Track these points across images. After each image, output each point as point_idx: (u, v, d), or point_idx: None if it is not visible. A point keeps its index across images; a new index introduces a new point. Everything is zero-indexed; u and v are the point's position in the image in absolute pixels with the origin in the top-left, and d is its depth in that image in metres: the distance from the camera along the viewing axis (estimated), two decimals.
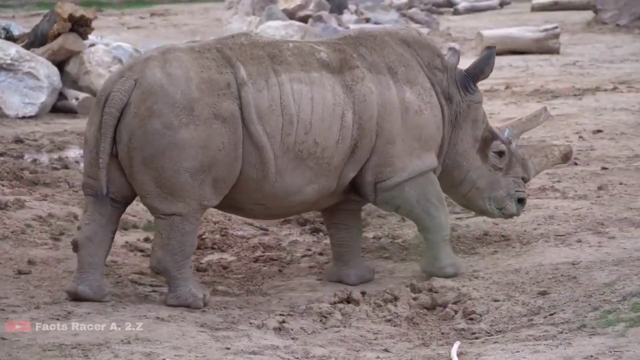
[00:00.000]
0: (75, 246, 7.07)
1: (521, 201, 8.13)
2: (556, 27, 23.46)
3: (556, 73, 19.32)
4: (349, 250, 7.85)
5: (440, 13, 31.97)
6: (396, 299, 7.04)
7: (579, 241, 8.16)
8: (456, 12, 32.40)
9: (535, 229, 8.60)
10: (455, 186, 8.02)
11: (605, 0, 26.71)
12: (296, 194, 7.32)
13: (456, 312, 6.83)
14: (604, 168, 10.71)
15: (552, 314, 6.51)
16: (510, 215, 8.16)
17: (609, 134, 12.69)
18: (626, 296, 6.49)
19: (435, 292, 7.10)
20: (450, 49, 8.32)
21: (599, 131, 12.87)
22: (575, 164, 11.05)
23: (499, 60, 21.23)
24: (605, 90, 16.58)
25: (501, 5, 34.36)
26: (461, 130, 7.93)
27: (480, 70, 7.88)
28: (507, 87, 17.35)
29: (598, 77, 18.36)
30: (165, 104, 6.92)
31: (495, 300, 6.89)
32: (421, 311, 6.92)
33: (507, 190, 8.04)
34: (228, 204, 7.35)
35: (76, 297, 6.96)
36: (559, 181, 10.26)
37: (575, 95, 16.21)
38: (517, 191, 8.07)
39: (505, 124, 8.42)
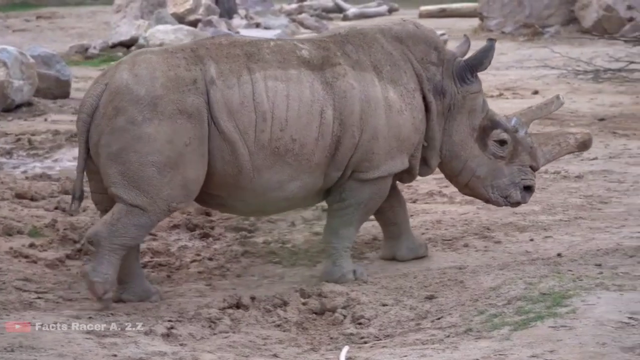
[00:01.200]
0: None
1: (528, 189, 8.15)
2: (444, 34, 23.75)
3: None
4: (397, 228, 8.15)
5: (330, 19, 32.10)
6: (285, 304, 7.02)
7: (466, 246, 8.28)
8: (346, 18, 32.54)
9: (423, 233, 8.68)
10: (455, 176, 8.10)
11: (490, 8, 27.16)
12: (277, 190, 7.42)
13: (345, 316, 6.84)
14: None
15: (439, 318, 6.57)
16: (516, 203, 8.17)
17: None
18: (511, 300, 6.58)
19: (325, 297, 7.10)
20: (464, 36, 8.31)
21: None
22: None
23: None
24: (492, 96, 16.82)
25: (390, 11, 34.65)
26: (456, 121, 7.99)
27: (480, 61, 7.96)
28: None
29: (484, 84, 18.45)
30: (129, 102, 7.09)
31: (384, 305, 6.92)
32: (310, 316, 6.91)
33: (511, 178, 8.07)
34: (215, 202, 7.56)
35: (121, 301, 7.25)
36: (446, 186, 10.35)
37: None
38: (522, 179, 8.10)
39: (515, 112, 8.42)
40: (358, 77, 7.58)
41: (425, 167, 7.96)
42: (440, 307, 6.78)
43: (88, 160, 7.24)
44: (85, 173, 7.32)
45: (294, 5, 33.15)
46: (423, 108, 7.79)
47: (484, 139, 8.05)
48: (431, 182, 10.62)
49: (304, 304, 7.03)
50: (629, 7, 24.59)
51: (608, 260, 7.48)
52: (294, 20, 28.72)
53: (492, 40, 7.98)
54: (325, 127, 7.41)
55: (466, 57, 8.04)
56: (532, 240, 8.30)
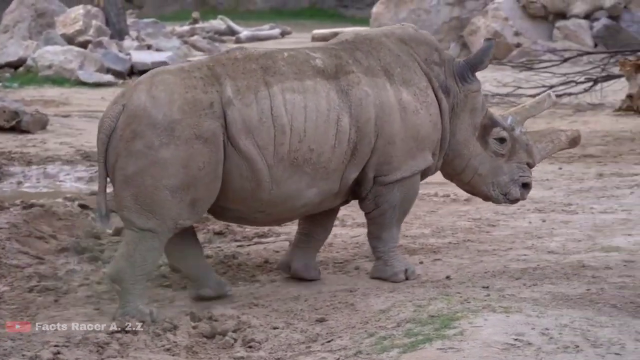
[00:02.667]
0: (177, 270, 7.87)
1: (526, 186, 8.39)
2: None
3: None
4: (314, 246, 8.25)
5: (223, 41, 32.11)
6: (175, 327, 6.95)
7: (357, 268, 8.31)
8: (238, 41, 32.56)
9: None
10: (458, 174, 8.29)
11: None
12: (295, 199, 7.54)
13: (235, 340, 6.80)
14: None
15: (329, 341, 6.57)
16: (515, 200, 8.42)
17: None
18: (400, 322, 6.63)
19: (215, 321, 7.05)
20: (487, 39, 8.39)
21: None
22: None
23: None
24: None
25: (282, 34, 34.81)
26: (459, 120, 8.18)
27: (480, 60, 8.18)
28: None
29: None
30: (147, 126, 7.11)
31: (275, 328, 6.90)
32: (201, 340, 6.85)
33: (510, 176, 8.31)
34: (233, 216, 7.65)
35: (202, 299, 7.60)
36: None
37: None
38: (521, 176, 8.34)
39: (509, 110, 8.62)
40: (371, 84, 7.74)
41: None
42: (331, 330, 6.79)
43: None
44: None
45: (186, 28, 33.07)
46: (437, 104, 8.02)
47: (485, 137, 8.27)
48: None
49: (194, 327, 6.96)
50: (516, 34, 25.15)
51: (495, 282, 7.60)
52: (186, 42, 28.65)
53: (490, 40, 8.27)
54: (341, 135, 7.56)
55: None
56: (421, 262, 8.39)
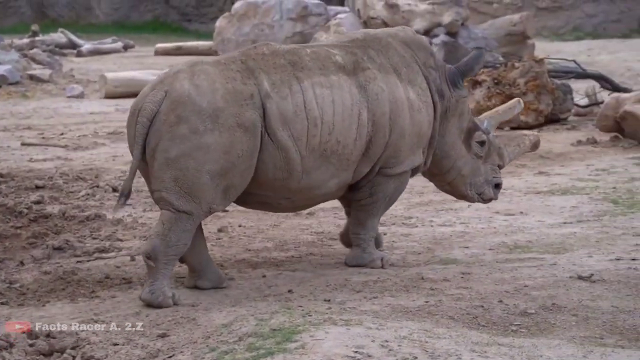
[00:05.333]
0: (182, 259, 7.82)
1: (498, 186, 9.08)
2: None
3: None
4: None
5: (64, 54, 31.43)
6: (11, 345, 6.76)
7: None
8: (80, 54, 31.98)
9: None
10: (443, 174, 8.87)
11: (225, 47, 27.49)
12: (320, 188, 8.04)
13: (74, 357, 6.65)
14: (224, 210, 10.95)
15: (170, 357, 6.50)
16: (489, 200, 9.09)
17: None
18: (242, 336, 6.61)
19: (53, 338, 6.89)
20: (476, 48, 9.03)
21: None
22: None
23: (123, 103, 21.30)
24: None
25: (125, 48, 34.35)
26: (449, 123, 8.70)
27: (470, 67, 8.74)
28: None
29: None
30: (192, 112, 7.42)
31: (115, 344, 6.78)
32: (38, 358, 6.68)
33: (485, 177, 8.99)
34: (258, 201, 8.02)
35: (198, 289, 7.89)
36: None
37: None
38: (494, 177, 9.03)
39: (483, 115, 9.23)
40: (385, 80, 8.23)
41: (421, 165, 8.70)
42: (172, 345, 6.72)
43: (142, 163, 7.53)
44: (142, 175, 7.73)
45: (25, 40, 32.25)
46: (433, 106, 8.52)
47: (469, 140, 8.86)
48: None
49: (31, 345, 6.79)
50: None
51: (337, 295, 7.66)
52: (25, 56, 27.97)
53: (480, 49, 8.85)
54: (362, 128, 8.03)
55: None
56: (264, 276, 8.40)
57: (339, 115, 7.91)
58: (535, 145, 9.46)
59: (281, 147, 7.68)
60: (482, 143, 8.92)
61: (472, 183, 8.95)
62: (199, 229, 7.89)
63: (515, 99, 9.48)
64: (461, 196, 9.07)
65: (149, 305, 7.48)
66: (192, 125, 7.39)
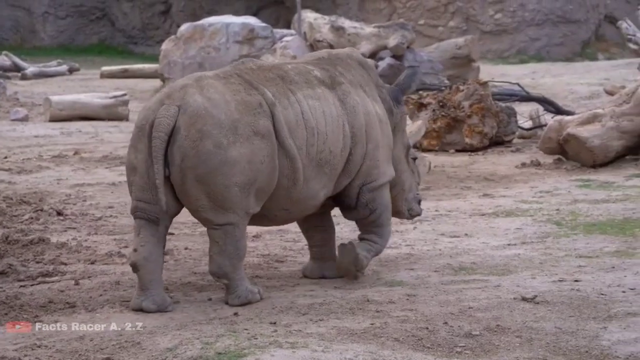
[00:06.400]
0: (135, 267, 7.79)
1: (419, 202, 9.44)
2: (125, 94, 23.74)
3: (125, 139, 19.43)
4: (328, 249, 8.96)
5: (8, 77, 31.16)
6: None
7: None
8: (24, 77, 31.73)
9: (101, 295, 8.53)
10: (390, 187, 8.97)
11: (172, 69, 27.42)
12: (314, 199, 8.26)
13: None
14: (170, 233, 10.89)
15: None
16: (417, 215, 9.46)
17: None
18: None
19: None
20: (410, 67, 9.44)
21: None
22: None
23: (68, 126, 21.16)
24: None
25: (70, 71, 34.13)
26: (396, 138, 9.03)
27: (408, 85, 9.14)
28: (75, 153, 17.26)
29: None
30: (212, 125, 7.56)
31: None
32: None
33: (413, 193, 9.34)
34: (256, 214, 8.01)
35: (140, 311, 7.79)
36: (125, 247, 10.30)
37: None
38: (417, 194, 9.41)
39: None
40: (357, 94, 8.53)
41: None
42: None
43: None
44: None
45: None
46: (388, 122, 8.83)
47: (407, 157, 9.24)
48: (110, 242, 10.52)
49: None
50: None
51: (282, 318, 7.66)
52: None
53: (413, 67, 9.28)
54: (346, 140, 8.31)
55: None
56: (210, 299, 8.36)
57: (330, 125, 8.17)
58: (430, 167, 10.09)
59: (289, 155, 7.90)
60: (414, 159, 9.36)
61: (406, 199, 9.24)
62: (161, 245, 7.92)
63: (420, 121, 10.14)
64: (396, 212, 9.21)
65: (243, 304, 7.91)
66: (216, 140, 7.55)
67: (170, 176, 7.63)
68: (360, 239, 8.94)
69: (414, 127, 10.09)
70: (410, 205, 9.30)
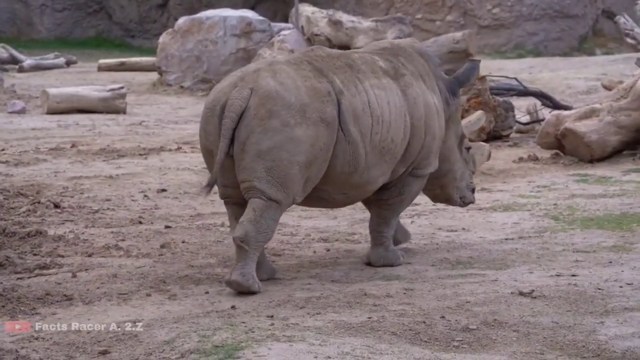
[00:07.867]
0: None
1: (473, 191, 9.75)
2: (122, 87, 23.69)
3: (122, 132, 19.48)
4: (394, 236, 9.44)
5: (5, 70, 31.07)
6: None
7: (141, 299, 8.20)
8: (21, 70, 31.66)
9: (98, 287, 8.53)
10: (439, 177, 9.41)
11: (169, 62, 27.39)
12: (372, 184, 8.58)
13: None
14: (167, 227, 10.90)
15: None
16: (469, 203, 9.82)
17: (173, 193, 12.96)
18: (184, 353, 6.59)
19: None
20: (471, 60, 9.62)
21: (164, 190, 13.11)
22: (140, 222, 11.16)
23: (65, 119, 21.15)
24: (170, 150, 16.96)
25: (68, 64, 34.05)
26: (450, 129, 9.32)
27: (467, 78, 9.38)
28: (73, 146, 17.22)
29: (163, 137, 18.74)
30: (282, 106, 7.90)
31: None
32: None
33: (466, 181, 9.66)
34: (315, 195, 8.38)
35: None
36: (123, 240, 10.30)
37: (141, 154, 16.42)
38: (471, 182, 9.72)
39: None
40: (418, 86, 8.80)
41: None
42: None
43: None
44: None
45: None
46: (443, 113, 9.10)
47: (460, 146, 9.52)
48: (107, 235, 10.51)
49: None
50: None
51: (280, 311, 7.66)
52: None
53: (474, 61, 9.44)
54: (406, 130, 8.58)
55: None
56: (207, 292, 8.36)
57: (394, 115, 8.46)
58: (489, 156, 10.17)
59: (352, 142, 8.18)
60: (468, 149, 9.62)
61: (458, 187, 9.60)
62: None
63: (480, 112, 10.40)
64: (447, 199, 9.67)
65: (238, 287, 7.95)
66: (284, 119, 7.87)
67: (233, 154, 7.92)
68: (370, 230, 9.22)
69: (474, 116, 10.43)
70: (463, 193, 9.65)
